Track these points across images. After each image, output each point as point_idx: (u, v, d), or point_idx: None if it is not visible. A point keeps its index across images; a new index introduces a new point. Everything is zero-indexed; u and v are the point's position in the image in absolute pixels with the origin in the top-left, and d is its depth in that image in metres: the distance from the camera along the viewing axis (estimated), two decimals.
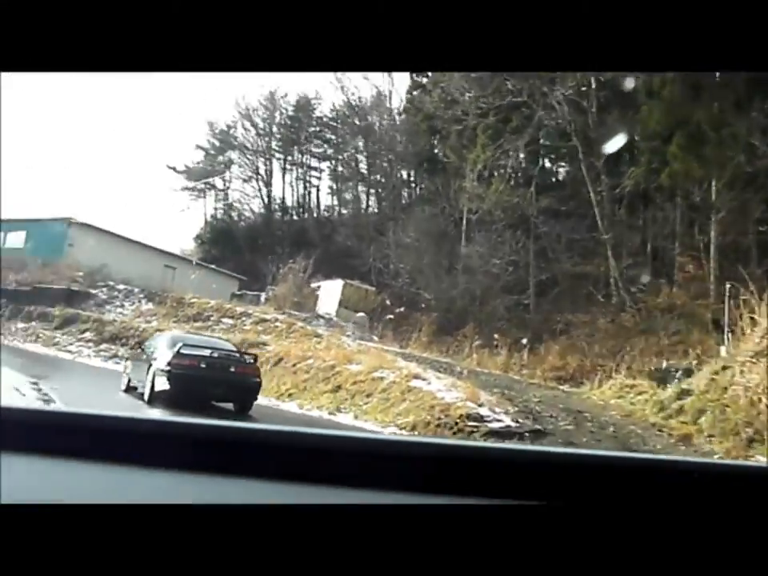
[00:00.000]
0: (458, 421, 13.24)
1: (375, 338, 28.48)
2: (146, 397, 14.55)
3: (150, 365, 14.73)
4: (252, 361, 15.67)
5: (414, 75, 43.44)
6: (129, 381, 16.56)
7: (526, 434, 12.53)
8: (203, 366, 14.31)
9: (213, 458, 1.46)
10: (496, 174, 34.68)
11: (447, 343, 29.71)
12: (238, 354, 15.94)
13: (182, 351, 14.31)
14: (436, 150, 42.21)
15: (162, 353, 14.79)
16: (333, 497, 1.35)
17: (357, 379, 17.54)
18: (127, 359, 18.27)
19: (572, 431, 13.26)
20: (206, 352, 14.74)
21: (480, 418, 13.20)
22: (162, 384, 14.05)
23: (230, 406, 15.01)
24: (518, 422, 13.31)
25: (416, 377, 16.69)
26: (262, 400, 18.03)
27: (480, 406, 13.88)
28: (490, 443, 9.13)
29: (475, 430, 12.77)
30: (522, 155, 34.58)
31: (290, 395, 18.46)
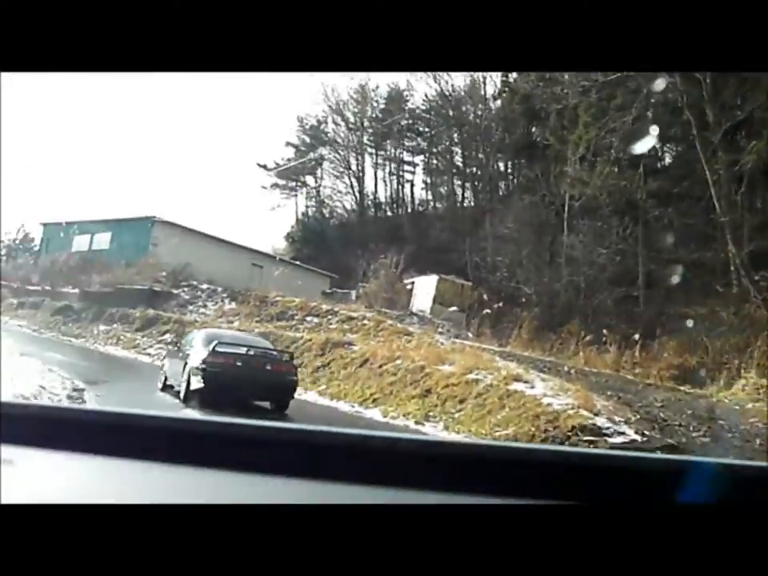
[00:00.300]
0: (569, 434, 10.93)
1: (471, 335, 26.36)
2: (181, 395, 14.31)
3: (186, 363, 14.48)
4: (288, 358, 15.46)
5: None
6: (165, 379, 16.23)
7: (657, 451, 10.16)
8: (239, 363, 14.01)
9: (213, 453, 1.43)
10: (600, 156, 32.08)
11: (550, 340, 27.58)
12: (274, 352, 15.72)
13: (217, 349, 14.03)
14: (534, 135, 39.75)
15: (197, 351, 14.49)
16: (335, 494, 1.33)
17: (449, 382, 15.44)
18: (164, 357, 18.04)
19: (710, 445, 10.87)
20: (242, 350, 14.40)
21: (598, 431, 10.84)
22: (197, 382, 13.76)
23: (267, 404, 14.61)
24: (643, 434, 10.94)
25: (516, 379, 14.44)
26: (344, 406, 16.60)
27: (596, 414, 11.57)
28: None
29: (593, 445, 10.44)
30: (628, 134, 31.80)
31: (374, 401, 16.53)
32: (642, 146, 30.87)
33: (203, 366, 13.78)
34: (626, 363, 23.36)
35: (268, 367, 14.32)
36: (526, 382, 14.31)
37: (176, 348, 16.70)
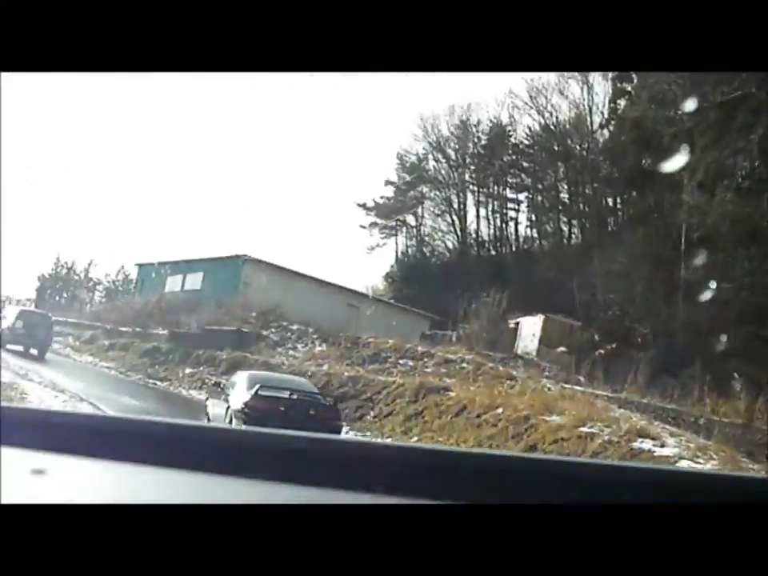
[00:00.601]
0: None
1: (582, 379, 23.94)
2: None
3: (229, 406, 14.37)
4: (332, 403, 15.34)
5: (617, 83, 38.97)
6: (208, 421, 15.54)
7: None
8: (281, 408, 13.55)
9: (206, 458, 1.45)
10: (720, 182, 29.53)
11: (669, 386, 25.00)
12: (319, 396, 15.43)
13: (259, 393, 13.78)
14: (646, 164, 37.32)
15: (240, 393, 14.26)
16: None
17: (558, 436, 13.20)
18: (207, 398, 17.64)
19: None
20: (285, 394, 14.12)
21: None
22: (239, 426, 13.17)
23: None
24: None
25: (641, 434, 12.05)
26: None
27: None
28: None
29: None
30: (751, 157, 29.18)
31: None
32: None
33: (245, 409, 13.54)
34: (759, 412, 20.67)
35: (312, 412, 13.83)
36: (653, 438, 11.92)
37: (219, 389, 16.38)
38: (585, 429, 13.00)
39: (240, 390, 14.45)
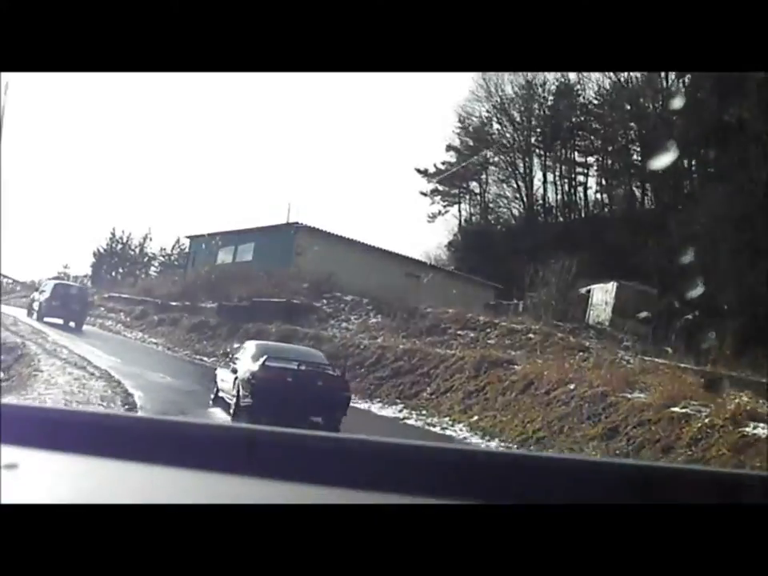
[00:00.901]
0: None
1: (669, 351, 21.62)
2: (231, 410, 14.22)
3: (237, 377, 14.27)
4: (340, 373, 14.90)
5: None
6: (217, 392, 15.67)
7: None
8: (289, 379, 13.56)
9: (215, 456, 1.44)
10: None
11: (759, 356, 22.65)
12: (328, 367, 15.11)
13: (267, 363, 13.73)
14: (728, 115, 34.53)
15: (248, 363, 14.24)
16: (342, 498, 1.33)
17: (643, 417, 11.09)
18: (216, 370, 17.27)
19: None
20: (293, 364, 13.97)
21: None
22: (247, 398, 13.64)
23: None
24: None
25: (752, 416, 9.77)
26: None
27: None
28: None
29: None
30: None
31: (537, 441, 12.31)
32: None
33: (253, 380, 13.56)
34: None
35: (319, 383, 13.84)
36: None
37: (228, 360, 16.12)
38: (677, 409, 10.83)
39: (248, 359, 14.40)
